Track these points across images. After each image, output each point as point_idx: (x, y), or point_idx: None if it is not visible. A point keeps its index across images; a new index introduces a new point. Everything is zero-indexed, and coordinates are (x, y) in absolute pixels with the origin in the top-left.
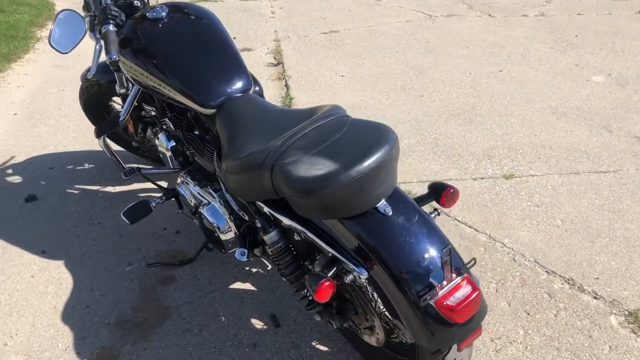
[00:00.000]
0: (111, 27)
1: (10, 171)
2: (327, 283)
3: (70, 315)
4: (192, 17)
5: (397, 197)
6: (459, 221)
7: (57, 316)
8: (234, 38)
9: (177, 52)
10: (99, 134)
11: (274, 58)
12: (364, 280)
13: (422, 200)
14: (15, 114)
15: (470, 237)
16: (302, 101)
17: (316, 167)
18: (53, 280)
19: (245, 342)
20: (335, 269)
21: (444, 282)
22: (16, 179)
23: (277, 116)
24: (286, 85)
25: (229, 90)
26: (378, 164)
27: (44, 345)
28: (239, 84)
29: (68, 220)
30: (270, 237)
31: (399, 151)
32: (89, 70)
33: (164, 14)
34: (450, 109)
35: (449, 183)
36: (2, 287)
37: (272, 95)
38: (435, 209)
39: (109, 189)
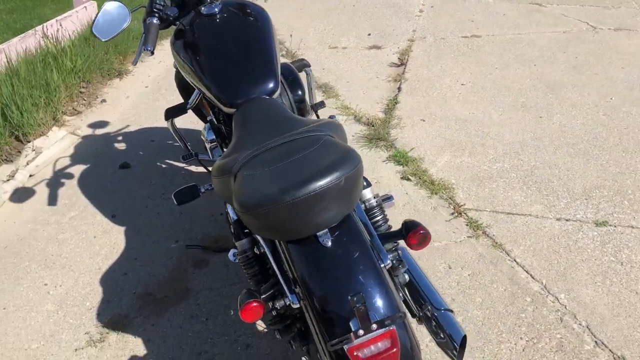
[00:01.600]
0: (155, 20)
1: (119, 138)
2: (254, 304)
3: (107, 278)
4: (242, 15)
5: (345, 228)
6: (516, 263)
7: (97, 277)
8: (369, 35)
9: (214, 49)
10: (167, 116)
11: (399, 59)
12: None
13: (389, 237)
14: (146, 87)
15: (522, 283)
16: (406, 107)
17: (261, 184)
18: (109, 244)
19: (240, 341)
20: (272, 291)
21: (360, 331)
22: (121, 146)
23: (279, 124)
24: (399, 88)
25: (251, 92)
26: (317, 191)
27: (76, 300)
28: (263, 87)
29: (145, 191)
30: (241, 244)
31: (355, 180)
32: None
33: (216, 9)
34: (568, 136)
35: (526, 219)
36: (69, 241)
37: (380, 96)
38: (395, 248)
39: (192, 167)
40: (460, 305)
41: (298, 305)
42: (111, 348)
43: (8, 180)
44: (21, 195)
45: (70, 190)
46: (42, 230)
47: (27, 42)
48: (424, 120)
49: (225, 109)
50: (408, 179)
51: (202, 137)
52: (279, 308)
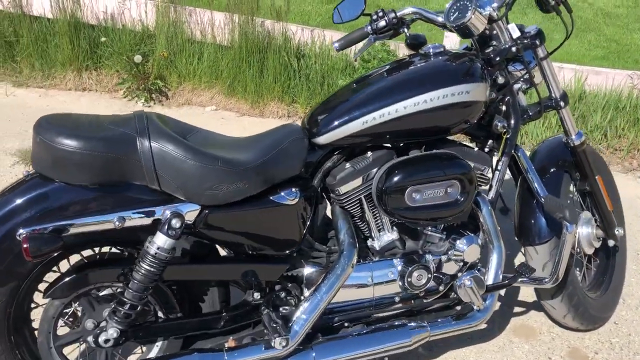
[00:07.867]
0: (368, 29)
1: None
2: None
3: None
4: (434, 67)
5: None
6: None
7: None
8: None
9: (368, 80)
10: None
11: None
12: None
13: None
14: None
15: None
16: None
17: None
18: None
19: None
20: None
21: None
22: None
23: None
24: None
25: (307, 123)
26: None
27: None
28: (314, 126)
29: None
30: None
31: (43, 150)
32: None
33: (432, 51)
34: None
35: None
36: None
37: None
38: None
39: None
40: None
41: None
42: None
43: None
44: None
45: None
46: None
47: None
48: None
49: None
50: None
51: None
52: None
